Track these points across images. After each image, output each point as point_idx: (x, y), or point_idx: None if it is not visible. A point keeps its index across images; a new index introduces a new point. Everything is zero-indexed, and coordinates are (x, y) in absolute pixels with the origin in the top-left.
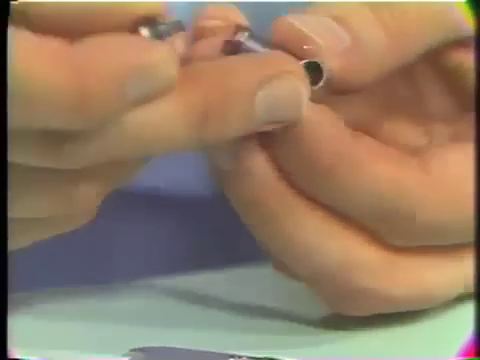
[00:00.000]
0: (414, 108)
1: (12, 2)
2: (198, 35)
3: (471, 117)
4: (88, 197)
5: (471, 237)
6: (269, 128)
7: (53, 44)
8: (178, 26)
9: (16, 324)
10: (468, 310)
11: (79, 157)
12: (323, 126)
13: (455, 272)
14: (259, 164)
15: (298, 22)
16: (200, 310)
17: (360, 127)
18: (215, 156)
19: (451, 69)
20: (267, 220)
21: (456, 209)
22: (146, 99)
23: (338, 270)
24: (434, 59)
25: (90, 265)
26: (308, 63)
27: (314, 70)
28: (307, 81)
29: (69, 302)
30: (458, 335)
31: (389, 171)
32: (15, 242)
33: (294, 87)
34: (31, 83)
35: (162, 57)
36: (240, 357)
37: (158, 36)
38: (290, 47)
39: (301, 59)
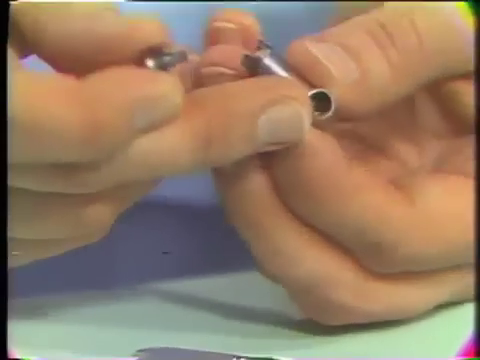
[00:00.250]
0: (410, 126)
1: (12, 3)
2: (213, 38)
3: (462, 142)
4: (101, 218)
5: (453, 263)
6: (271, 148)
7: (62, 82)
8: (182, 56)
9: (22, 328)
10: (468, 310)
11: (87, 184)
12: (323, 153)
13: (436, 290)
14: (256, 185)
15: (315, 49)
16: (203, 313)
17: (358, 141)
18: (217, 178)
19: (447, 95)
20: (257, 235)
21: (438, 242)
22: (152, 127)
23: (319, 284)
24: (432, 85)
25: (96, 271)
26: (316, 93)
27: (322, 100)
28: (310, 106)
29: (76, 307)
30: (458, 335)
31: (375, 203)
32: (22, 260)
33: (296, 110)
34: (42, 122)
35: (167, 88)
36: (240, 358)
37: (163, 67)
38: (304, 72)
39: (312, 84)
